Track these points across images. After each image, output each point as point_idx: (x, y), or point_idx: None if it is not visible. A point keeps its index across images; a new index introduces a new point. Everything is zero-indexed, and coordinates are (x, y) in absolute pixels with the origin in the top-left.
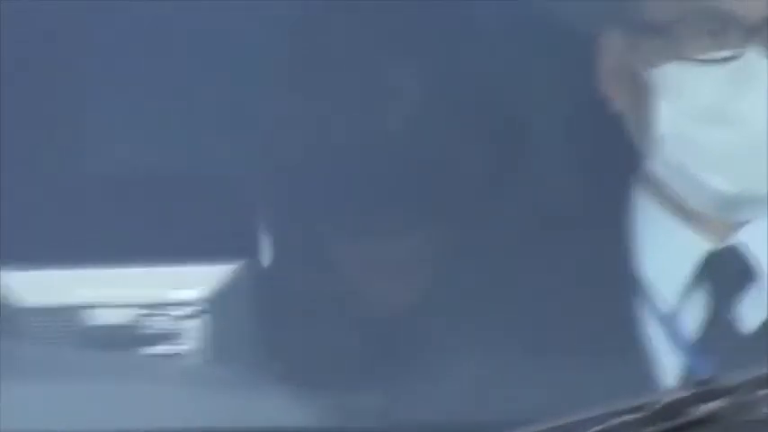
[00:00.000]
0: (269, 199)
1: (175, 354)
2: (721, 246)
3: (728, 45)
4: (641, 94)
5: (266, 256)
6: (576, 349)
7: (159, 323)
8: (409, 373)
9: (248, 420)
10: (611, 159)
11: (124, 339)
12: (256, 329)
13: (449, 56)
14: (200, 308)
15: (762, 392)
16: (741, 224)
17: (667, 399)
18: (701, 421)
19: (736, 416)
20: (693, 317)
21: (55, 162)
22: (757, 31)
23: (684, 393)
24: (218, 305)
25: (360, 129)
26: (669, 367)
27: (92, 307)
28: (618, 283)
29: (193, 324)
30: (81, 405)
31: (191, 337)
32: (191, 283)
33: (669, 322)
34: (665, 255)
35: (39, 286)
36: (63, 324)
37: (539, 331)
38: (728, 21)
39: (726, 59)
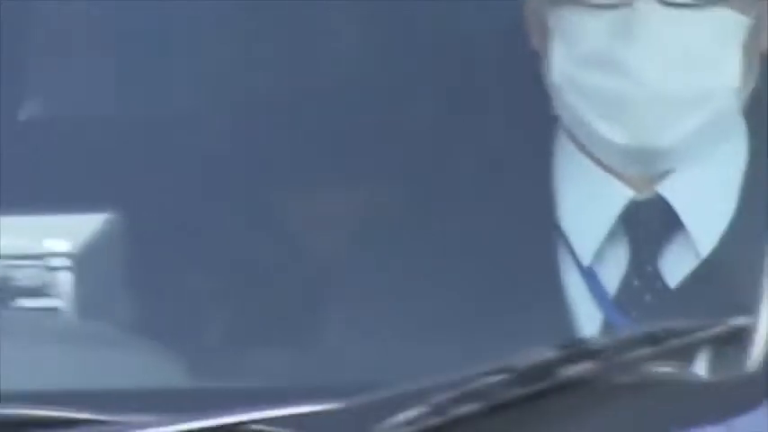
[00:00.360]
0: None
1: (47, 308)
2: (642, 197)
3: None
4: (545, 36)
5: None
6: (495, 299)
7: (29, 275)
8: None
9: (119, 379)
10: (535, 106)
11: None
12: (127, 284)
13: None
14: (70, 260)
15: (631, 355)
16: (663, 175)
17: (535, 359)
18: (569, 383)
19: (605, 378)
20: (612, 269)
21: None
22: None
23: (553, 355)
24: (88, 258)
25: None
26: (589, 319)
27: None
28: (539, 232)
29: (64, 277)
30: None
31: (61, 291)
32: (62, 233)
33: (589, 273)
34: (588, 204)
35: None
36: None
37: (459, 281)
38: None
39: (615, 5)
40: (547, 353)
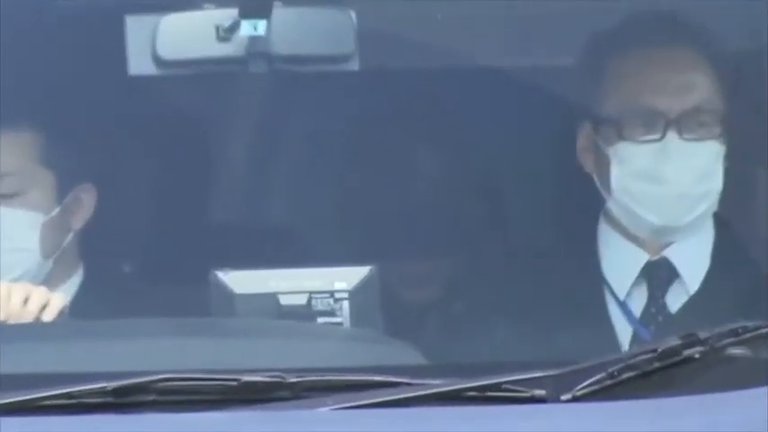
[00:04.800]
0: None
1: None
2: (654, 258)
3: (655, 131)
4: (602, 162)
5: None
6: (564, 323)
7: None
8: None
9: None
10: (583, 204)
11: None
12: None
13: (456, 134)
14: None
15: (728, 340)
16: (669, 244)
17: (668, 344)
18: (688, 360)
19: (712, 356)
20: (638, 302)
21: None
22: (673, 122)
23: (675, 342)
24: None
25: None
26: (624, 332)
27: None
28: (590, 280)
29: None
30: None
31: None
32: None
33: (622, 306)
34: (621, 262)
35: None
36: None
37: (542, 311)
38: (655, 115)
39: (653, 140)
40: (674, 340)
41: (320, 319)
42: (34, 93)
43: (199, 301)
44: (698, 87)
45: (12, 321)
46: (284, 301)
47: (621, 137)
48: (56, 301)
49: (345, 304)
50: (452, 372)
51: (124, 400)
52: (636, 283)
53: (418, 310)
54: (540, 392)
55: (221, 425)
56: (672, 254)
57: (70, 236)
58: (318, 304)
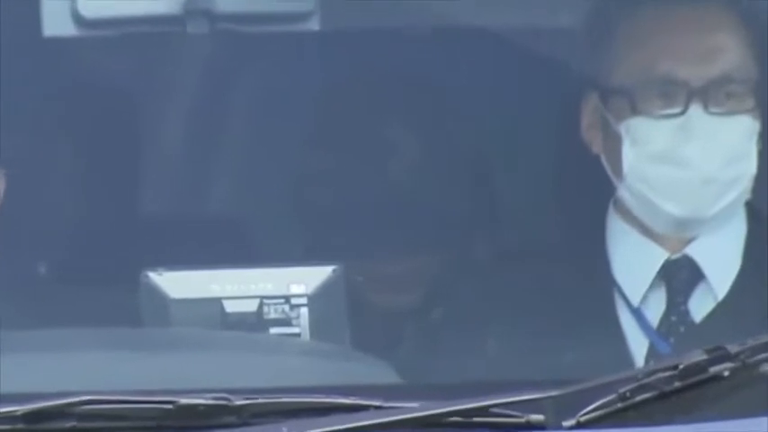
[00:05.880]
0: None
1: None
2: (675, 256)
3: (676, 104)
4: (611, 141)
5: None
6: (567, 334)
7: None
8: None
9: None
10: (591, 190)
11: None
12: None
13: (437, 108)
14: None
15: (762, 356)
16: (690, 239)
17: (684, 362)
18: (715, 379)
19: (743, 374)
20: (655, 309)
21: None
22: (697, 93)
23: (699, 357)
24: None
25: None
26: (635, 347)
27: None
28: (598, 284)
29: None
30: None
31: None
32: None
33: (637, 313)
34: (635, 262)
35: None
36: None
37: (540, 321)
38: (675, 85)
39: (674, 115)
40: (698, 355)
41: (273, 330)
42: None
43: (127, 307)
44: (727, 51)
45: None
46: (230, 307)
47: (635, 111)
48: None
49: (304, 311)
50: (432, 393)
51: (37, 426)
52: (652, 287)
53: (391, 318)
54: (537, 418)
55: None
56: (696, 251)
57: None
58: (271, 312)
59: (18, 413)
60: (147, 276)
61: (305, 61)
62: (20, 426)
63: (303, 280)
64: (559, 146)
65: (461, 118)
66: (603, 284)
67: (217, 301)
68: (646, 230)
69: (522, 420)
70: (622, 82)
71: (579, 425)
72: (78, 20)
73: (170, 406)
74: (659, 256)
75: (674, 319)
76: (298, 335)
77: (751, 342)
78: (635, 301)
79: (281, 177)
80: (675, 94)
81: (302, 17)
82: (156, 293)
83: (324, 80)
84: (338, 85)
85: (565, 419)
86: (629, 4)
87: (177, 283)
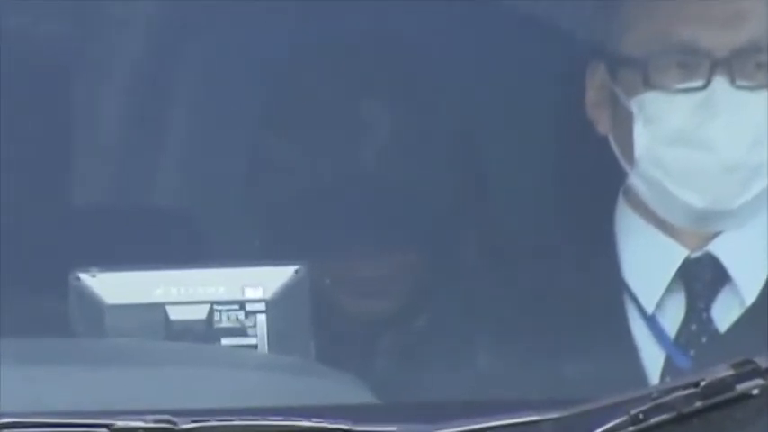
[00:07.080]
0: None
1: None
2: (696, 254)
3: (697, 76)
4: (621, 119)
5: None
6: (570, 347)
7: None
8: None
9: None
10: (597, 178)
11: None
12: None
13: (422, 80)
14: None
15: None
16: (714, 234)
17: (714, 376)
18: (743, 397)
19: None
20: (672, 317)
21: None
22: (722, 64)
23: (724, 372)
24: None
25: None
26: (653, 359)
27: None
28: (606, 287)
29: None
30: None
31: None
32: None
33: (652, 321)
34: (649, 261)
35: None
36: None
37: (539, 331)
38: (696, 54)
39: (694, 89)
40: (723, 371)
41: (225, 341)
42: None
43: (55, 313)
44: (755, 16)
45: None
46: (175, 314)
47: (649, 85)
48: None
49: (261, 319)
50: (411, 415)
51: None
52: (669, 291)
53: (364, 327)
54: None
55: None
56: (720, 249)
57: None
58: (223, 319)
59: None
60: (77, 278)
61: (259, 27)
62: None
63: (260, 282)
64: (560, 125)
65: (447, 92)
66: (612, 288)
67: (160, 307)
68: (661, 224)
69: None
70: (634, 51)
71: None
72: None
73: (104, 429)
74: (677, 254)
75: (694, 327)
76: (254, 346)
77: None
78: (649, 308)
79: (233, 162)
80: (696, 65)
81: None
82: (88, 298)
83: (283, 49)
84: (301, 54)
85: None
86: None
87: (113, 286)
